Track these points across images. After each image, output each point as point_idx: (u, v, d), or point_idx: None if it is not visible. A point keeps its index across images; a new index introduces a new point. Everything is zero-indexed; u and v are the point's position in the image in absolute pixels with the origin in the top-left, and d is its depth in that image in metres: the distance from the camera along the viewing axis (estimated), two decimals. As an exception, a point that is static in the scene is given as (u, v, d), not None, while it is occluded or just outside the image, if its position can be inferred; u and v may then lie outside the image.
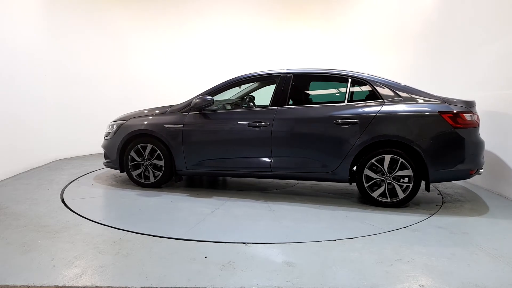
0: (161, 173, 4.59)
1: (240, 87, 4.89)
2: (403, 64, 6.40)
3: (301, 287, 2.28)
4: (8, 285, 2.28)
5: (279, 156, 4.14)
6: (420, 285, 2.29)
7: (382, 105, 3.86)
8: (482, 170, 3.87)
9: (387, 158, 3.78)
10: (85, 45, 7.22)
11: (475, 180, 4.80)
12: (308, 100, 4.54)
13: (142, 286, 2.27)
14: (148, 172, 4.69)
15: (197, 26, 8.32)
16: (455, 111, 3.68)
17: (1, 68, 5.09)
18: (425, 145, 3.68)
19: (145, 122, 4.68)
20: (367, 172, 3.86)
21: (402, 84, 4.01)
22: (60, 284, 2.29)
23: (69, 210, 3.77)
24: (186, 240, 3.00)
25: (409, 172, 3.74)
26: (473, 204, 4.04)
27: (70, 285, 2.28)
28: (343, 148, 3.90)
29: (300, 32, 8.87)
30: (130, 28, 7.84)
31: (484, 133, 3.89)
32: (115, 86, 7.70)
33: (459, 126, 3.65)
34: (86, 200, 4.18)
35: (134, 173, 4.73)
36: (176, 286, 2.27)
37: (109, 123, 5.12)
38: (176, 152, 4.50)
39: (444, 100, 3.80)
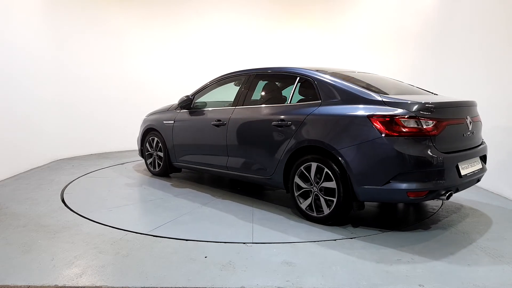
0: (161, 163, 5.24)
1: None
2: (403, 64, 6.40)
3: (301, 287, 2.28)
4: (8, 285, 2.28)
5: (233, 156, 4.16)
6: (420, 285, 2.29)
7: (318, 107, 3.42)
8: (446, 196, 3.04)
9: (314, 166, 3.34)
10: (85, 45, 7.21)
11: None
12: (261, 100, 4.29)
13: (142, 286, 2.27)
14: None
15: (197, 26, 8.31)
16: (389, 116, 2.96)
17: (1, 68, 5.09)
18: (348, 154, 3.10)
19: (153, 118, 5.38)
20: (297, 180, 3.49)
21: (349, 84, 3.39)
22: (60, 284, 2.29)
23: (69, 210, 3.77)
24: (186, 240, 3.00)
25: (333, 184, 3.21)
26: (473, 204, 4.03)
27: (70, 285, 2.29)
28: (277, 152, 3.64)
29: (300, 33, 8.87)
30: (131, 27, 7.83)
31: (484, 132, 3.84)
32: (116, 86, 7.69)
33: (393, 134, 2.92)
34: (86, 200, 4.18)
35: (148, 161, 5.50)
36: (176, 286, 2.27)
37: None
38: (169, 146, 5.03)
39: (390, 101, 3.05)
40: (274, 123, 3.67)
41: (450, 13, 5.29)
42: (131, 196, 4.40)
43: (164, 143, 5.09)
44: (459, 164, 3.12)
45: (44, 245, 2.89)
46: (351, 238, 3.05)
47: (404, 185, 2.93)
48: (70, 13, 6.93)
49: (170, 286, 2.28)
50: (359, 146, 3.06)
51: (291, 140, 3.50)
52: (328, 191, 3.28)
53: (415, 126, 2.93)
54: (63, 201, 4.10)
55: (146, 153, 5.50)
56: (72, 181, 5.01)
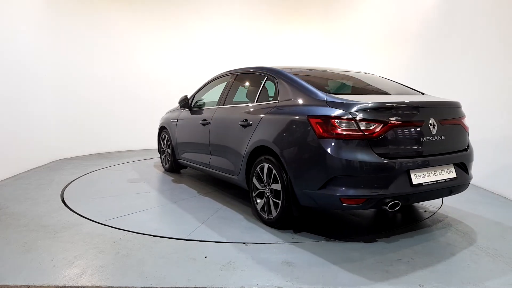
0: (170, 160, 5.50)
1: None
2: (405, 64, 6.40)
3: (301, 287, 2.28)
4: (8, 285, 2.28)
5: (213, 154, 4.25)
6: (420, 285, 2.29)
7: (274, 107, 3.35)
8: (389, 206, 2.75)
9: (265, 167, 3.29)
10: (85, 46, 7.21)
11: (475, 180, 4.76)
12: (236, 99, 4.27)
13: (142, 286, 2.27)
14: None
15: (198, 28, 8.30)
16: (324, 117, 2.80)
17: (1, 68, 5.09)
18: (288, 156, 3.00)
19: (165, 117, 5.65)
20: (254, 180, 3.44)
21: (303, 83, 3.26)
22: (60, 284, 2.29)
23: (69, 210, 3.77)
24: (186, 240, 3.00)
25: (279, 186, 3.11)
26: (473, 204, 4.03)
27: (70, 285, 2.29)
28: (241, 151, 3.63)
29: (299, 34, 8.88)
30: (131, 28, 7.83)
31: (483, 133, 3.82)
32: (116, 86, 7.69)
33: (328, 135, 2.75)
34: (86, 199, 4.18)
35: (162, 158, 5.84)
36: (176, 286, 2.27)
37: None
38: (173, 143, 5.26)
39: (332, 101, 2.86)
40: (240, 122, 3.68)
41: (451, 13, 5.29)
42: (125, 189, 4.60)
43: (170, 140, 5.34)
44: (411, 171, 2.79)
45: (44, 245, 2.89)
46: (351, 239, 3.05)
47: (338, 191, 2.73)
48: (71, 13, 6.93)
49: (170, 286, 2.28)
50: (298, 147, 2.95)
51: (250, 140, 3.49)
52: (277, 193, 3.19)
53: (352, 128, 2.72)
54: (63, 201, 4.10)
55: (160, 150, 5.84)
56: (72, 181, 5.02)
